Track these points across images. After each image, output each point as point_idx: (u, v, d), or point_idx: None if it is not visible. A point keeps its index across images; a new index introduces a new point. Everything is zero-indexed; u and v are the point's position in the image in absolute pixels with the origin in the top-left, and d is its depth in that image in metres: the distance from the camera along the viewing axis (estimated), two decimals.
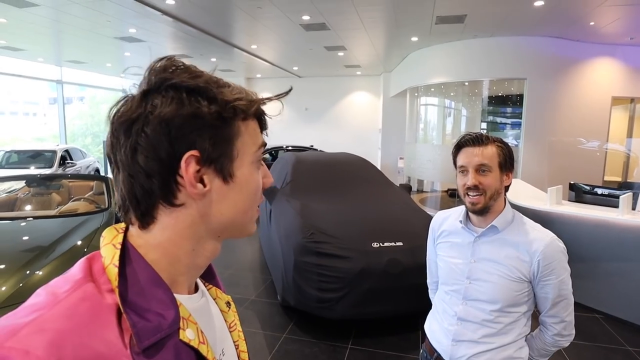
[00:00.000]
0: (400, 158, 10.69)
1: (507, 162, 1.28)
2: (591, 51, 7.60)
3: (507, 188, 1.31)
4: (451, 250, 1.38)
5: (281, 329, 3.28)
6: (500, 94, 10.45)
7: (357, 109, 13.21)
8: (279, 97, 0.58)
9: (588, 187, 4.61)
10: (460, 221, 1.36)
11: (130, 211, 0.50)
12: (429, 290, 1.64)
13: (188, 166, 0.47)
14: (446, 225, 1.44)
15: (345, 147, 8.35)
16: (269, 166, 5.71)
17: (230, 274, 4.48)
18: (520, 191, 4.97)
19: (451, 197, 9.37)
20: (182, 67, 0.50)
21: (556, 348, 1.34)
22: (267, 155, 9.78)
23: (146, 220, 0.50)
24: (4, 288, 2.25)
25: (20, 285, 2.30)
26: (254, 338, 3.15)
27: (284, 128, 13.35)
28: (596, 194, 4.46)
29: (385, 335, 3.19)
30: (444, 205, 8.14)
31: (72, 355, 0.37)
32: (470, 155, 1.27)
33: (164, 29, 7.20)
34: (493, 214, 1.29)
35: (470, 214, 1.34)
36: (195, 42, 8.08)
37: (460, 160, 1.30)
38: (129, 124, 0.47)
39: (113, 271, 0.45)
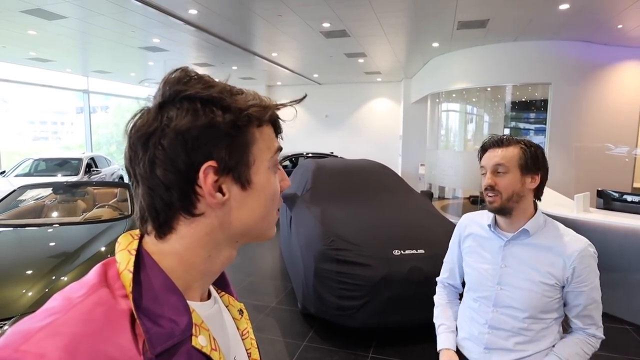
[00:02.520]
0: (421, 165, 10.57)
1: (529, 164, 1.25)
2: (619, 55, 7.39)
3: (536, 192, 1.29)
4: (479, 256, 1.36)
5: (301, 337, 3.24)
6: (523, 99, 10.23)
7: (378, 116, 13.15)
8: (293, 103, 0.59)
9: (617, 194, 4.45)
10: (489, 225, 1.34)
11: (149, 221, 0.51)
12: (437, 286, 1.62)
13: (206, 177, 0.48)
14: (474, 228, 1.41)
15: (366, 154, 8.29)
16: (289, 173, 5.75)
17: (251, 281, 4.48)
18: (546, 198, 4.79)
19: (473, 204, 9.19)
20: (195, 77, 0.50)
21: (591, 352, 1.29)
22: (287, 162, 9.80)
23: (163, 230, 0.50)
24: (30, 293, 2.30)
25: (47, 290, 2.34)
26: (274, 346, 3.13)
27: (304, 135, 13.40)
28: (625, 201, 4.30)
29: (407, 345, 3.12)
30: (466, 213, 7.92)
31: (86, 359, 0.38)
32: (490, 157, 1.28)
33: (187, 39, 7.34)
34: (520, 217, 1.28)
35: (498, 218, 1.33)
36: (217, 50, 8.21)
37: (482, 162, 1.31)
38: (146, 138, 0.48)
39: (127, 277, 0.46)
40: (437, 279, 1.64)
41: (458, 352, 1.41)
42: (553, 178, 6.25)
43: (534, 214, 1.29)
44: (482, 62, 8.05)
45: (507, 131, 10.74)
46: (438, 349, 1.46)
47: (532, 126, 11.09)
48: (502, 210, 1.27)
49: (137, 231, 0.53)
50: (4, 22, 6.37)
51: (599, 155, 7.44)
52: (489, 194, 1.26)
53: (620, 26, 6.26)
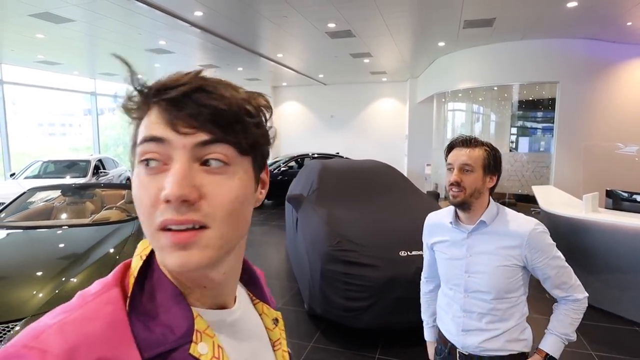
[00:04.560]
0: (427, 165, 10.53)
1: (491, 165, 1.39)
2: (628, 53, 7.30)
3: (491, 189, 1.44)
4: (448, 250, 1.50)
5: (308, 338, 3.24)
6: (531, 98, 10.15)
7: (383, 116, 13.12)
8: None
9: (626, 194, 4.38)
10: (451, 222, 1.47)
11: None
12: (421, 283, 1.78)
13: None
14: (438, 227, 1.56)
15: (372, 154, 8.29)
16: (294, 174, 5.72)
17: None
18: (554, 198, 4.79)
19: None
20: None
21: (581, 314, 1.41)
22: (293, 163, 9.83)
23: None
24: (41, 295, 2.31)
25: (57, 292, 2.35)
26: None
27: (309, 135, 13.42)
28: (635, 201, 4.24)
29: (413, 346, 3.10)
30: None
31: (85, 356, 0.38)
32: (458, 155, 1.39)
33: (193, 40, 7.38)
34: (477, 211, 1.41)
35: (459, 213, 1.46)
36: (222, 52, 8.25)
37: (449, 159, 1.42)
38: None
39: (131, 281, 0.47)
40: (422, 273, 1.78)
41: (442, 335, 1.56)
42: (561, 178, 6.17)
43: (488, 207, 1.42)
44: (489, 61, 7.99)
45: (514, 130, 10.67)
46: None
47: (540, 125, 10.98)
48: (464, 205, 1.40)
49: None
50: (13, 25, 6.46)
51: (608, 154, 7.32)
52: (454, 189, 1.38)
53: (629, 23, 6.19)
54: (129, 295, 0.45)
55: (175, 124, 0.43)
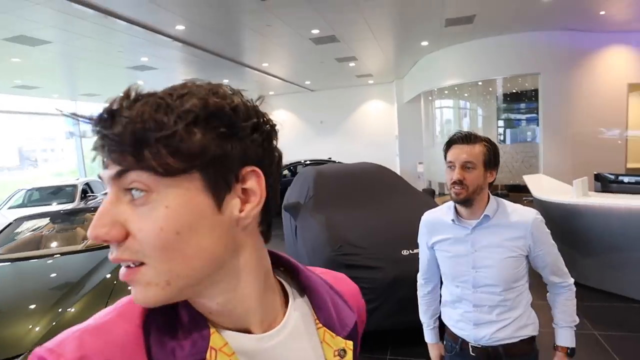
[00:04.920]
0: (420, 163, 10.60)
1: (491, 160, 1.40)
2: (603, 40, 7.53)
3: (490, 184, 1.44)
4: (451, 247, 1.48)
5: None
6: (515, 91, 10.31)
7: (372, 118, 13.19)
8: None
9: (613, 177, 4.56)
10: (453, 220, 1.46)
11: None
12: (418, 285, 1.73)
13: None
14: (437, 225, 1.54)
15: (364, 157, 8.27)
16: (289, 182, 5.63)
17: None
18: (545, 186, 4.90)
19: None
20: None
21: (574, 297, 1.48)
22: (286, 171, 9.75)
23: None
24: (37, 328, 2.21)
25: (54, 324, 2.25)
26: None
27: (300, 143, 13.37)
28: (622, 182, 4.42)
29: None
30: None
31: None
32: (459, 152, 1.38)
33: (175, 55, 7.29)
34: (479, 206, 1.42)
35: (459, 209, 1.46)
36: (206, 65, 8.17)
37: (450, 156, 1.41)
38: None
39: None
40: (418, 275, 1.73)
41: (450, 332, 1.56)
42: (549, 166, 6.30)
43: (488, 201, 1.43)
44: (472, 57, 8.12)
45: (501, 123, 10.78)
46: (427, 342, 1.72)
47: (524, 116, 11.14)
48: (467, 202, 1.40)
49: None
50: None
51: (592, 139, 7.58)
52: (456, 187, 1.37)
53: (602, 12, 6.37)
54: (143, 312, 0.44)
55: (104, 159, 0.41)
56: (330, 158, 10.76)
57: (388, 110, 12.87)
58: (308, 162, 9.77)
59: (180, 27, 5.72)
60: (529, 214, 1.40)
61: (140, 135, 0.38)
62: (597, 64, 7.54)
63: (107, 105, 0.40)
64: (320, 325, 0.54)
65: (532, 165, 8.26)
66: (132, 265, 0.41)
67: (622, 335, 3.00)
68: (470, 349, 1.47)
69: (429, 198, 4.52)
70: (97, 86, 9.83)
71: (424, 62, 9.25)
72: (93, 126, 0.40)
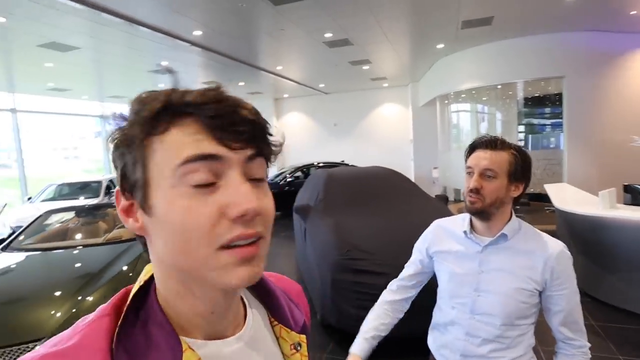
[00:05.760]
0: (435, 168, 10.45)
1: (518, 172, 1.21)
2: (634, 42, 7.10)
3: (516, 200, 1.25)
4: (456, 262, 1.32)
5: (322, 349, 3.23)
6: (537, 95, 10.03)
7: (387, 121, 13.10)
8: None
9: None
10: (465, 232, 1.30)
11: None
12: (386, 289, 1.57)
13: (118, 201, 0.46)
14: (447, 235, 1.38)
15: (377, 161, 8.28)
16: (301, 184, 5.74)
17: None
18: (569, 196, 4.59)
19: None
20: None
21: None
22: (299, 173, 9.89)
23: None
24: (59, 314, 2.38)
25: (74, 310, 2.42)
26: None
27: (314, 145, 13.46)
28: None
29: (426, 354, 3.07)
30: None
31: None
32: (479, 158, 1.22)
33: (194, 59, 7.54)
34: (498, 223, 1.25)
35: (474, 222, 1.30)
36: (223, 68, 8.39)
37: (470, 161, 1.25)
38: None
39: (123, 310, 0.46)
40: (392, 280, 1.57)
41: (433, 358, 1.40)
42: (574, 174, 5.86)
43: (510, 219, 1.26)
44: (490, 60, 7.90)
45: (521, 128, 10.53)
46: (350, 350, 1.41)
47: (548, 122, 10.83)
48: (482, 214, 1.23)
49: None
50: (22, 57, 6.70)
51: (622, 148, 7.09)
52: (472, 195, 1.22)
53: (633, 12, 6.07)
54: (118, 324, 0.44)
55: (225, 140, 0.42)
56: (343, 161, 10.79)
57: (403, 114, 12.77)
58: (321, 164, 9.86)
59: (198, 33, 5.94)
60: (555, 245, 1.21)
61: (268, 129, 0.47)
62: (627, 67, 7.12)
63: (223, 94, 0.44)
64: (276, 323, 0.58)
65: (555, 173, 7.88)
66: (256, 240, 0.43)
67: None
68: None
69: (441, 204, 4.44)
70: (123, 89, 10.22)
71: (440, 65, 9.13)
72: (228, 109, 0.44)
